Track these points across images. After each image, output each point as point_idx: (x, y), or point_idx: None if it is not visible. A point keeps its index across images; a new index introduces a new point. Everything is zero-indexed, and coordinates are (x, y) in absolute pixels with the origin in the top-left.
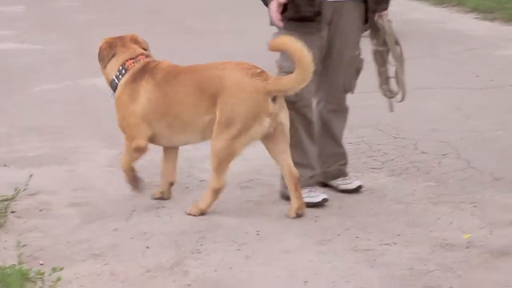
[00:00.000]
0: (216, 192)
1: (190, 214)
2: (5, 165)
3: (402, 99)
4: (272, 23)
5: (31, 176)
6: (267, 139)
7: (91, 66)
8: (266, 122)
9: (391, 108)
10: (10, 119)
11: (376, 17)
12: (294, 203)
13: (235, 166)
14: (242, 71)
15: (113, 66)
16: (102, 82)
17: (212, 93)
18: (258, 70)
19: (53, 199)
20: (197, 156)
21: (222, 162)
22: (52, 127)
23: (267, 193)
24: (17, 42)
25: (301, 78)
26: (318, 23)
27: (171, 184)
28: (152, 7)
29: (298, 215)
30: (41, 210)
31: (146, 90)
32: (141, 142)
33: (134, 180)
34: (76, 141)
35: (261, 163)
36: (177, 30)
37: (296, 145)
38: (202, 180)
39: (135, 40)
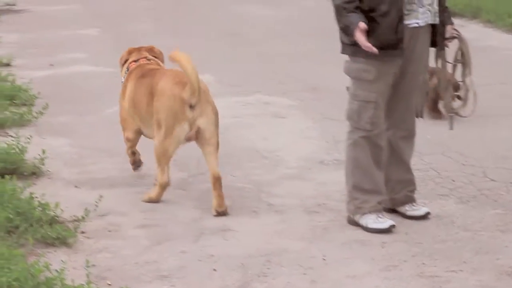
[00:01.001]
0: (162, 187)
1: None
2: (76, 186)
3: (471, 113)
4: (343, 51)
5: (101, 197)
6: (197, 141)
7: None
8: (186, 126)
9: (451, 126)
10: (82, 140)
11: (451, 31)
12: (214, 201)
13: (304, 190)
14: (170, 79)
15: (124, 69)
16: None
17: (153, 97)
18: (184, 80)
19: (122, 220)
20: (266, 180)
21: (160, 159)
22: (123, 149)
23: (334, 218)
24: (91, 65)
25: (190, 92)
26: (400, 50)
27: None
28: (233, 30)
29: (219, 213)
30: (110, 231)
31: (129, 88)
32: (129, 134)
33: (133, 163)
34: (146, 164)
35: (329, 188)
36: (258, 54)
37: (364, 171)
38: (270, 204)
39: (151, 50)
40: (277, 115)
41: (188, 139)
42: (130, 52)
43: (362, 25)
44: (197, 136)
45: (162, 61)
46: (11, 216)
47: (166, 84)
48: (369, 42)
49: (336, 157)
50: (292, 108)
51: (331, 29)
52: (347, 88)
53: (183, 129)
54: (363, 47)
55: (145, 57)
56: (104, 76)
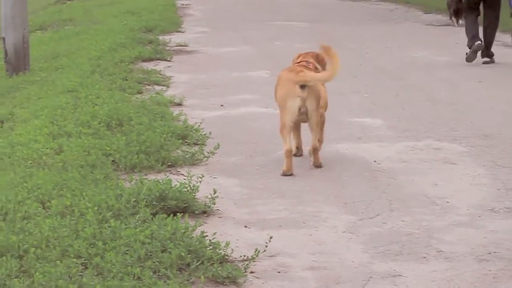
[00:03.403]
0: (286, 154)
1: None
2: (245, 226)
3: None
4: None
5: (270, 238)
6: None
7: (334, 132)
8: (298, 100)
9: None
10: (252, 181)
11: None
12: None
13: (474, 238)
14: (286, 70)
15: None
16: (353, 149)
17: None
18: (298, 69)
19: (291, 261)
20: (435, 226)
21: (281, 132)
22: (293, 190)
23: (505, 267)
24: (261, 106)
25: (320, 77)
26: None
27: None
28: (400, 75)
29: (316, 166)
30: (279, 272)
31: None
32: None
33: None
34: (316, 206)
35: (500, 236)
36: (427, 99)
37: None
38: (439, 251)
39: (316, 56)
40: (448, 161)
41: (301, 114)
42: (299, 56)
43: None
44: (307, 115)
45: (324, 66)
46: (183, 254)
47: (282, 73)
48: None
49: (507, 205)
50: (463, 154)
51: (502, 74)
52: None
53: (295, 103)
54: None
55: (306, 61)
56: (274, 118)
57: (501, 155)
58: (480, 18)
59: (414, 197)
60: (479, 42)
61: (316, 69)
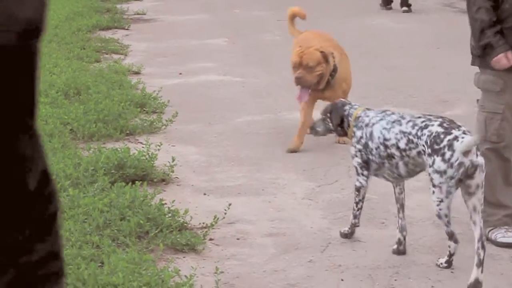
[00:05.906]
0: None
1: None
2: (204, 194)
3: None
4: (473, 63)
5: (229, 205)
6: None
7: (292, 100)
8: None
9: None
10: (210, 149)
11: None
12: None
13: (431, 204)
14: None
15: None
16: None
17: None
18: None
19: (250, 228)
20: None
21: None
22: (252, 158)
23: (463, 231)
24: (220, 74)
25: None
26: None
27: None
28: (358, 42)
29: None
30: (238, 239)
31: None
32: None
33: None
34: (275, 173)
35: (460, 201)
36: (384, 66)
37: (489, 184)
38: None
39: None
40: None
41: None
42: None
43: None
44: None
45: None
46: (141, 221)
47: None
48: None
49: None
50: None
51: (459, 41)
52: (477, 101)
53: None
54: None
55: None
56: (233, 86)
57: (459, 120)
58: None
59: None
60: None
61: None
